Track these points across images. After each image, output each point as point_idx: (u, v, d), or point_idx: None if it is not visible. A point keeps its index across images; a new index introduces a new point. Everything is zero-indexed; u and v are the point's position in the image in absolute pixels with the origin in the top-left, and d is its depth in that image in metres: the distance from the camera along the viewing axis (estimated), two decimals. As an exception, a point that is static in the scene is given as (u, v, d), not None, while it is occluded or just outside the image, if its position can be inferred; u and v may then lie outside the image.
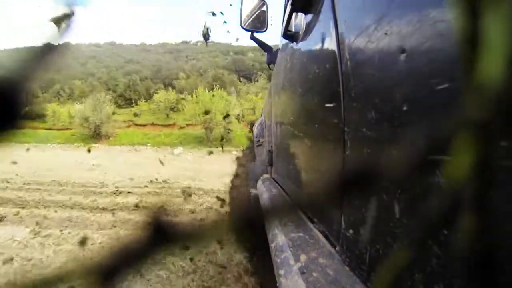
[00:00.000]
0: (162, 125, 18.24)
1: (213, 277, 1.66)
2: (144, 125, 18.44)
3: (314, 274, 0.41)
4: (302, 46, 0.73)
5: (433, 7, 0.24)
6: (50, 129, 16.62)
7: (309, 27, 0.66)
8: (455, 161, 0.12)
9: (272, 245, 0.58)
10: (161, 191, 4.01)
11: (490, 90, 0.11)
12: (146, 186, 4.38)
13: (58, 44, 0.13)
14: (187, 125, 17.09)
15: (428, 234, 0.15)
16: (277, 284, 0.46)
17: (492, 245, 0.13)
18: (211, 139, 15.67)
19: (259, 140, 1.93)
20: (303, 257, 0.46)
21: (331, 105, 0.50)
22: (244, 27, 1.72)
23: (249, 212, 0.14)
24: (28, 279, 0.13)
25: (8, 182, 4.30)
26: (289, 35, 0.84)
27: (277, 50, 1.46)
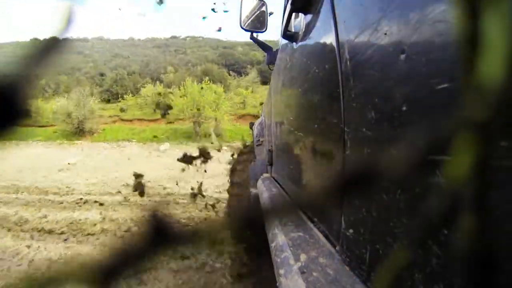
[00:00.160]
0: (149, 120, 17.73)
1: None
2: (131, 120, 17.89)
3: (314, 274, 0.41)
4: (302, 46, 0.73)
5: (433, 7, 0.24)
6: (32, 126, 15.75)
7: (309, 27, 0.66)
8: (455, 161, 0.12)
9: (272, 245, 0.58)
10: (135, 200, 3.30)
11: (490, 90, 0.11)
12: (118, 193, 3.71)
13: (59, 39, 0.13)
14: (175, 120, 16.56)
15: (428, 234, 0.15)
16: (277, 284, 0.46)
17: (492, 245, 0.13)
18: (200, 134, 14.95)
19: (259, 140, 1.93)
20: (303, 257, 0.46)
21: (331, 105, 0.50)
22: (244, 27, 1.72)
23: (249, 211, 0.14)
24: (28, 279, 0.13)
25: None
26: (289, 35, 0.84)
27: (277, 50, 1.46)
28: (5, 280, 1.62)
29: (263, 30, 1.73)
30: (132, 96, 21.25)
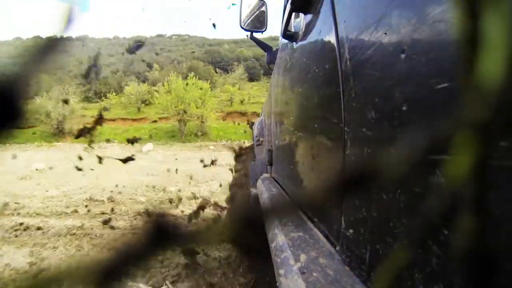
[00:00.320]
0: (132, 119, 17.19)
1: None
2: (114, 120, 17.35)
3: (314, 274, 0.41)
4: (302, 46, 0.73)
5: (433, 7, 0.24)
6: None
7: (309, 27, 0.66)
8: (455, 161, 0.12)
9: (272, 245, 0.58)
10: (91, 227, 2.38)
11: (490, 90, 0.11)
12: (74, 212, 2.85)
13: (58, 38, 0.13)
14: (160, 118, 15.94)
15: (428, 234, 0.15)
16: (277, 284, 0.46)
17: (492, 245, 0.13)
18: (185, 133, 14.27)
19: (259, 140, 1.93)
20: (303, 257, 0.46)
21: (331, 105, 0.50)
22: (244, 27, 1.72)
23: (249, 212, 0.14)
24: (27, 279, 0.13)
25: None
26: (289, 35, 0.84)
27: (277, 50, 1.46)
28: None
29: (263, 30, 1.73)
30: (116, 95, 20.52)
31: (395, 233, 0.30)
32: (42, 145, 12.21)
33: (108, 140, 13.03)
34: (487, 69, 0.11)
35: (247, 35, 1.85)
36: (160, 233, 0.13)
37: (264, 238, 0.71)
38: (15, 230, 2.35)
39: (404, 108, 0.28)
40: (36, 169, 5.84)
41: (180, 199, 3.14)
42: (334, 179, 0.14)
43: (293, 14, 0.81)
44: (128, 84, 20.28)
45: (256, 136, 2.06)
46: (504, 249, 0.17)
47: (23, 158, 7.41)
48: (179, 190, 3.82)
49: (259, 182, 1.36)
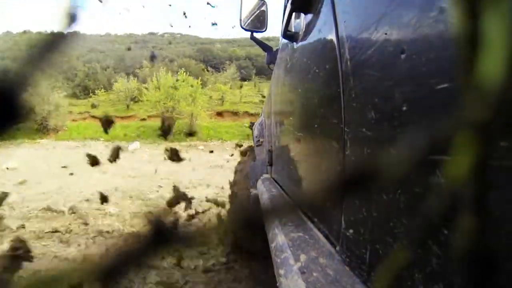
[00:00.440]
0: (121, 117, 16.26)
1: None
2: (110, 123, 16.64)
3: (314, 274, 0.41)
4: (302, 46, 0.73)
5: (433, 7, 0.24)
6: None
7: (309, 27, 0.66)
8: (455, 161, 0.12)
9: (272, 245, 0.58)
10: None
11: (490, 90, 0.11)
12: (20, 228, 2.27)
13: (63, 34, 0.13)
14: (149, 116, 15.03)
15: (428, 234, 0.15)
16: (277, 284, 0.46)
17: (492, 245, 0.13)
18: (174, 131, 13.35)
19: (259, 140, 1.93)
20: (303, 257, 0.46)
21: (331, 105, 0.50)
22: (244, 27, 1.72)
23: (249, 212, 0.14)
24: (28, 279, 0.13)
25: None
26: (289, 35, 0.84)
27: (277, 50, 1.46)
28: None
29: (263, 29, 1.73)
30: (105, 91, 19.66)
31: (395, 233, 0.30)
32: (24, 142, 11.48)
33: (96, 138, 12.46)
34: (487, 69, 0.11)
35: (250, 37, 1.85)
36: (160, 234, 0.13)
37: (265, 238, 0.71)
38: None
39: (404, 108, 0.28)
40: (7, 168, 5.17)
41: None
42: (334, 179, 0.14)
43: (293, 14, 0.81)
44: (117, 81, 19.25)
45: (256, 136, 2.06)
46: (504, 249, 0.17)
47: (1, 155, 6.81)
48: (161, 198, 3.34)
49: (259, 182, 1.36)
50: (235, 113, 16.50)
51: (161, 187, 4.01)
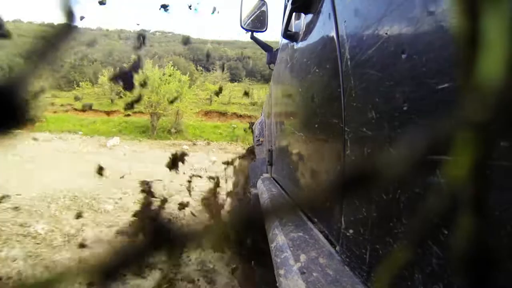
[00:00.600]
0: (104, 112, 15.72)
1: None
2: (85, 111, 15.67)
3: (314, 274, 0.41)
4: (302, 46, 0.73)
5: (433, 7, 0.24)
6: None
7: (309, 27, 0.66)
8: (455, 161, 0.12)
9: (272, 245, 0.58)
10: None
11: (490, 90, 0.11)
12: None
13: (64, 29, 0.13)
14: (134, 112, 13.98)
15: (427, 234, 0.15)
16: (277, 284, 0.46)
17: (492, 245, 0.13)
18: (157, 128, 12.57)
19: (259, 140, 1.93)
20: (303, 257, 0.46)
21: (332, 105, 0.50)
22: (244, 27, 1.72)
23: (249, 212, 0.14)
24: (28, 279, 0.13)
25: None
26: (289, 35, 0.84)
27: (277, 50, 1.46)
28: None
29: (263, 30, 1.73)
30: (91, 85, 18.89)
31: (395, 233, 0.30)
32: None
33: (74, 132, 11.96)
34: (487, 69, 0.11)
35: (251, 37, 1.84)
36: (160, 234, 0.13)
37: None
38: None
39: (404, 108, 0.28)
40: None
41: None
42: (334, 179, 0.14)
43: (293, 14, 0.81)
44: (104, 74, 18.36)
45: (256, 136, 2.06)
46: (504, 249, 0.17)
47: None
48: (121, 210, 2.74)
49: (259, 182, 1.36)
50: (223, 114, 16.13)
51: (126, 194, 3.26)
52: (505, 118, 0.11)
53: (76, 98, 17.46)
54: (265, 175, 1.49)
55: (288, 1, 0.83)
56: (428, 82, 0.24)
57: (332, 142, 0.51)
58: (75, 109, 15.88)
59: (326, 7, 0.54)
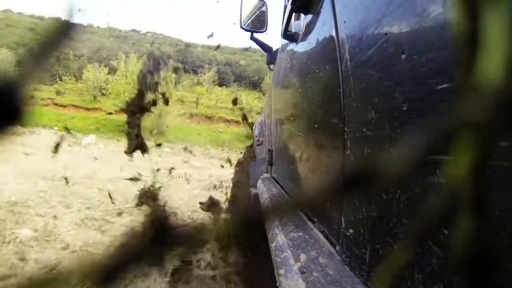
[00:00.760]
0: (86, 108, 15.03)
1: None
2: (65, 106, 15.12)
3: (314, 274, 0.41)
4: (302, 46, 0.73)
5: (433, 7, 0.24)
6: None
7: (309, 27, 0.66)
8: (455, 161, 0.12)
9: (272, 245, 0.58)
10: None
11: (490, 90, 0.11)
12: None
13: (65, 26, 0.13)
14: (116, 111, 12.89)
15: (428, 234, 0.15)
16: (277, 284, 0.46)
17: (492, 245, 0.13)
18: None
19: (259, 140, 1.93)
20: (303, 257, 0.46)
21: (331, 105, 0.50)
22: (244, 27, 1.72)
23: (249, 212, 0.14)
24: (28, 279, 0.13)
25: None
26: (289, 35, 0.84)
27: (277, 50, 1.46)
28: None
29: (263, 30, 1.73)
30: (75, 80, 17.92)
31: (395, 233, 0.30)
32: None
33: (50, 127, 11.15)
34: (487, 69, 0.11)
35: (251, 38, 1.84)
36: (160, 234, 0.13)
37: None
38: None
39: (404, 108, 0.28)
40: None
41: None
42: (334, 179, 0.14)
43: (293, 14, 0.81)
44: (88, 69, 17.47)
45: (256, 136, 2.06)
46: (504, 249, 0.17)
47: None
48: (39, 237, 1.86)
49: (259, 182, 1.36)
50: (209, 118, 15.62)
51: (69, 208, 2.48)
52: (505, 118, 0.11)
53: (58, 93, 16.71)
54: (265, 175, 1.49)
55: (288, 1, 0.83)
56: (428, 82, 0.24)
57: (332, 142, 0.51)
58: (56, 104, 15.27)
59: (326, 7, 0.54)
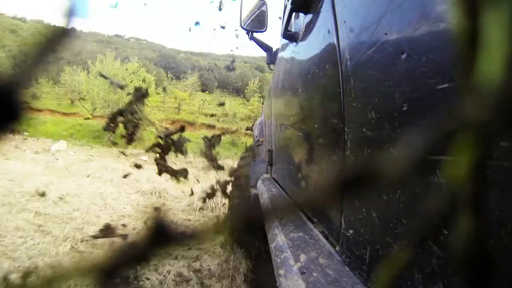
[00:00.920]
0: (62, 113, 14.24)
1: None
2: (41, 110, 14.35)
3: (314, 274, 0.41)
4: (302, 46, 0.73)
5: (433, 7, 0.24)
6: None
7: (309, 27, 0.66)
8: (455, 161, 0.12)
9: (272, 245, 0.58)
10: None
11: (490, 90, 0.11)
12: None
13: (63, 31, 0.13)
14: (94, 116, 12.33)
15: (428, 234, 0.15)
16: (277, 284, 0.46)
17: (492, 245, 0.13)
18: (114, 134, 9.76)
19: (259, 140, 1.93)
20: (303, 257, 0.46)
21: (331, 105, 0.50)
22: (244, 27, 1.72)
23: (249, 212, 0.14)
24: (28, 279, 0.13)
25: None
26: (289, 35, 0.84)
27: (277, 50, 1.46)
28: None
29: (263, 30, 1.73)
30: (53, 84, 17.35)
31: (395, 233, 0.30)
32: None
33: (18, 133, 10.77)
34: (487, 69, 0.11)
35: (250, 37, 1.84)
36: (160, 234, 0.13)
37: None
38: None
39: (404, 108, 0.28)
40: None
41: None
42: (334, 179, 0.14)
43: (293, 14, 0.81)
44: (67, 73, 16.49)
45: (256, 136, 2.06)
46: (504, 249, 0.17)
47: None
48: None
49: (259, 182, 1.36)
50: (191, 124, 14.83)
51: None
52: (505, 118, 0.11)
53: (33, 96, 16.55)
54: (265, 175, 1.49)
55: (288, 1, 0.83)
56: (427, 82, 0.24)
57: (332, 142, 0.51)
58: (30, 108, 14.72)
59: (325, 7, 0.54)
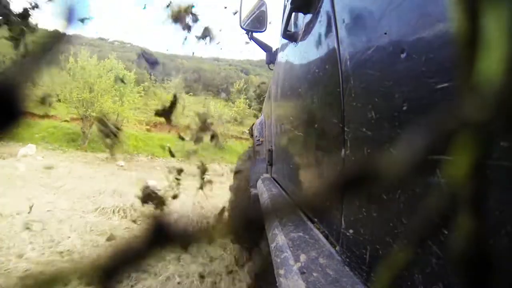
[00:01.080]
0: (39, 116, 12.73)
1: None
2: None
3: (314, 274, 0.41)
4: (302, 46, 0.73)
5: (433, 7, 0.24)
6: None
7: (309, 27, 0.66)
8: (455, 161, 0.12)
9: (272, 245, 0.58)
10: None
11: (490, 90, 0.11)
12: None
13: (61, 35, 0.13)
14: (72, 119, 11.21)
15: (428, 234, 0.15)
16: (277, 284, 0.46)
17: (492, 245, 0.13)
18: (89, 137, 9.59)
19: (259, 140, 1.93)
20: (303, 257, 0.46)
21: (331, 105, 0.50)
22: (243, 27, 1.72)
23: (249, 212, 0.14)
24: (29, 278, 0.13)
25: None
26: (289, 35, 0.84)
27: (277, 50, 1.46)
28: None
29: (263, 30, 1.73)
30: (31, 86, 17.59)
31: (395, 233, 0.30)
32: None
33: None
34: (487, 69, 0.11)
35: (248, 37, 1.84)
36: (160, 234, 0.13)
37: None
38: None
39: (404, 108, 0.28)
40: None
41: None
42: (334, 179, 0.14)
43: (293, 14, 0.81)
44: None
45: (256, 136, 2.06)
46: (504, 249, 0.17)
47: None
48: None
49: (259, 182, 1.36)
50: (174, 126, 14.15)
51: None
52: (505, 118, 0.11)
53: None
54: (265, 175, 1.49)
55: (287, 1, 0.83)
56: (427, 82, 0.24)
57: (332, 142, 0.51)
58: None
59: (325, 7, 0.54)
